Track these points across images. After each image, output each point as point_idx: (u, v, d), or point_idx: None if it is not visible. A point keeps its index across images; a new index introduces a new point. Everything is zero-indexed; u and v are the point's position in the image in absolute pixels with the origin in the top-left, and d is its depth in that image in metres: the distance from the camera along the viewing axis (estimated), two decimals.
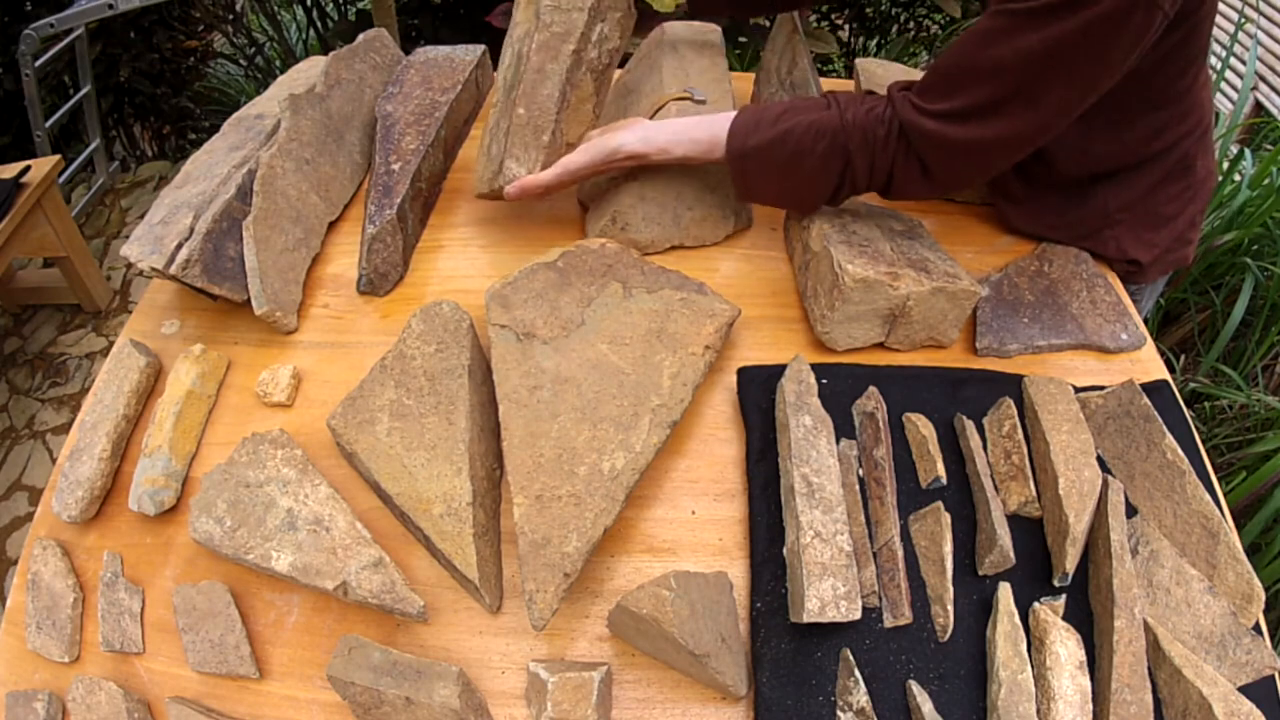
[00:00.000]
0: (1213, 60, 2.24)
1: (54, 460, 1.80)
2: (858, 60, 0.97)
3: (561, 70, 0.74)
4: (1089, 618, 0.57)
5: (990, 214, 0.86)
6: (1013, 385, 0.68)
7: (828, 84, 0.94)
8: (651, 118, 0.79)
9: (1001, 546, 0.57)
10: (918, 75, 1.00)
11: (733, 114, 0.69)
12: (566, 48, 0.74)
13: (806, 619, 0.52)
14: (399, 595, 0.56)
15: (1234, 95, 2.24)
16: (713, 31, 0.94)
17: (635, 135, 0.72)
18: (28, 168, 1.79)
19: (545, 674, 0.52)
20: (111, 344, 1.89)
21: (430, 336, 0.67)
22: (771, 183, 0.70)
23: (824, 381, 0.67)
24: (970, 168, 0.66)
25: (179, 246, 0.73)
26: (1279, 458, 1.19)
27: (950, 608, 0.56)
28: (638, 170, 0.77)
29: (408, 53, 1.01)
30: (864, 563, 0.58)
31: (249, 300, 0.75)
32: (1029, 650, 0.54)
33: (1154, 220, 0.76)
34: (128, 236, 0.83)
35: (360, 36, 0.98)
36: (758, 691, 0.54)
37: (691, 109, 0.81)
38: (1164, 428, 0.62)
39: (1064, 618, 0.55)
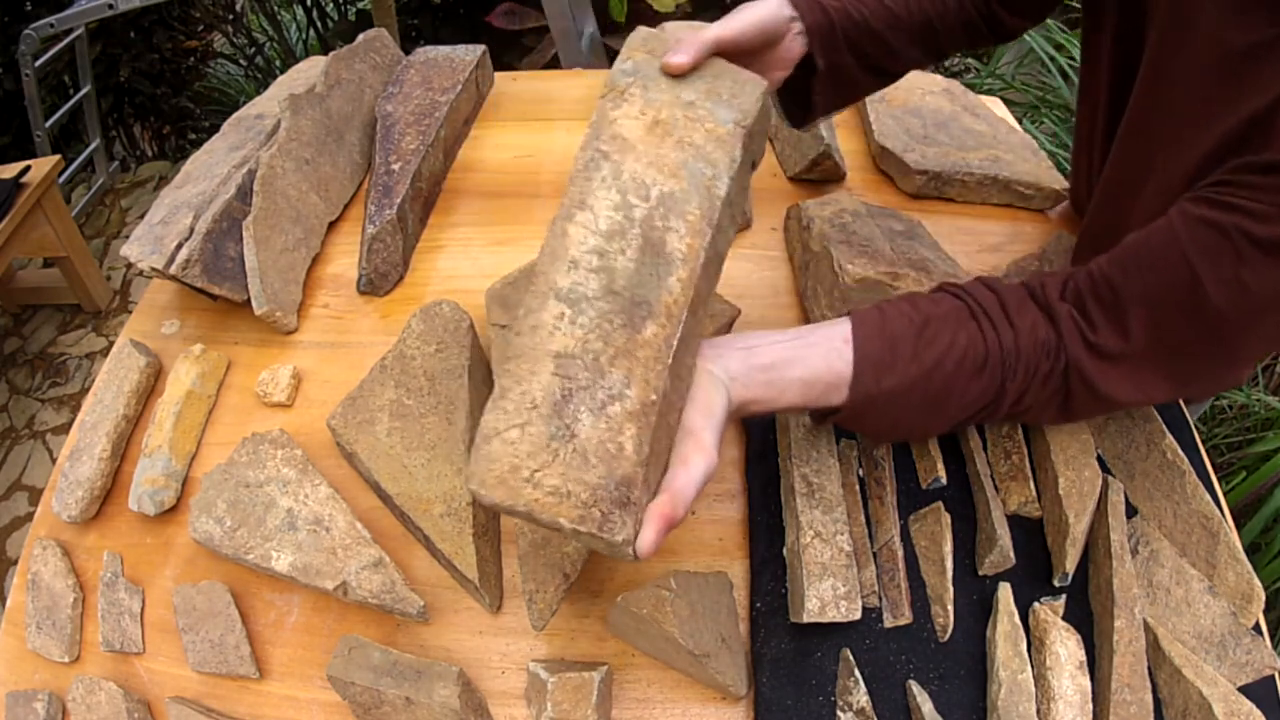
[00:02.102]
0: None
1: (54, 460, 1.80)
2: None
3: (701, 327, 0.47)
4: (1089, 618, 0.57)
5: (990, 214, 0.86)
6: None
7: None
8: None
9: (1001, 546, 0.57)
10: (931, 83, 0.97)
11: (845, 333, 0.48)
12: (711, 289, 0.47)
13: (806, 619, 0.52)
14: (399, 595, 0.57)
15: None
16: None
17: (730, 379, 0.47)
18: (28, 168, 1.79)
19: (545, 674, 0.52)
20: (111, 344, 1.89)
21: (430, 336, 0.67)
22: (893, 420, 0.50)
23: None
24: (1108, 410, 0.57)
25: (179, 246, 0.73)
26: (1279, 458, 1.19)
27: (950, 608, 0.56)
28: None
29: (408, 53, 1.01)
30: (864, 563, 0.58)
31: (249, 300, 0.75)
32: (1029, 650, 0.54)
33: None
34: (128, 236, 0.83)
35: (360, 36, 0.98)
36: (758, 691, 0.54)
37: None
38: (1164, 428, 0.62)
39: (1064, 618, 0.55)
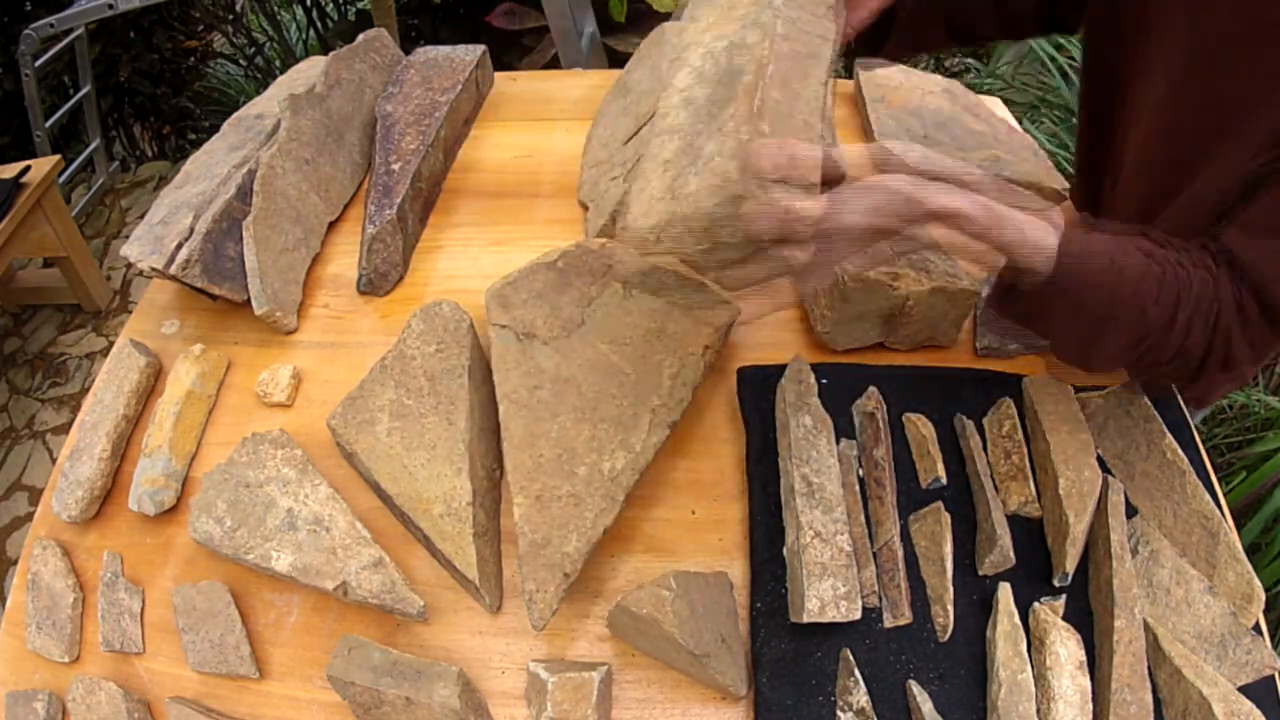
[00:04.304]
0: None
1: (54, 460, 1.80)
2: (858, 62, 0.96)
3: (816, 94, 0.50)
4: (1089, 618, 0.57)
5: None
6: (1013, 385, 0.68)
7: None
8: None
9: (1001, 546, 0.57)
10: (931, 83, 0.98)
11: (1054, 218, 0.48)
12: (817, 70, 0.51)
13: (806, 619, 0.52)
14: (399, 595, 0.56)
15: None
16: None
17: (954, 194, 0.44)
18: (28, 168, 1.79)
19: (545, 674, 0.52)
20: (111, 344, 1.89)
21: (430, 336, 0.67)
22: (1079, 311, 0.50)
23: (824, 381, 0.67)
24: (1225, 386, 0.60)
25: (179, 246, 0.73)
26: (1279, 458, 1.19)
27: (950, 608, 0.56)
28: (636, 167, 0.69)
29: (408, 53, 1.01)
30: (864, 563, 0.58)
31: (249, 300, 0.75)
32: (1029, 650, 0.54)
33: None
34: (128, 236, 0.83)
35: (360, 36, 0.98)
36: (758, 691, 0.54)
37: None
38: (1164, 428, 0.62)
39: (1064, 618, 0.55)
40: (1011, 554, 0.57)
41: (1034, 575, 0.59)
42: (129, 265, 0.74)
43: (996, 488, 0.61)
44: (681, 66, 0.53)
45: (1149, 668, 0.53)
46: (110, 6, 1.82)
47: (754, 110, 0.45)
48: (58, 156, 1.88)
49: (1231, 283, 0.50)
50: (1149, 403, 0.64)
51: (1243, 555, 0.57)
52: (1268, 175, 0.51)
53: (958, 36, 0.69)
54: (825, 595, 0.52)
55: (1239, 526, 1.17)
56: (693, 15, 0.57)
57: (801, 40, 0.51)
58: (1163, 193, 0.61)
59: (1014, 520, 0.60)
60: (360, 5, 2.65)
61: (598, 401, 0.62)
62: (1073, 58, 2.04)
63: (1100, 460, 0.63)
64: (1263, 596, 0.56)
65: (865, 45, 0.68)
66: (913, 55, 0.69)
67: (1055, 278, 0.48)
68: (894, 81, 0.94)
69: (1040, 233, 0.46)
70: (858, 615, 0.52)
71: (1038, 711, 0.51)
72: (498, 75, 1.07)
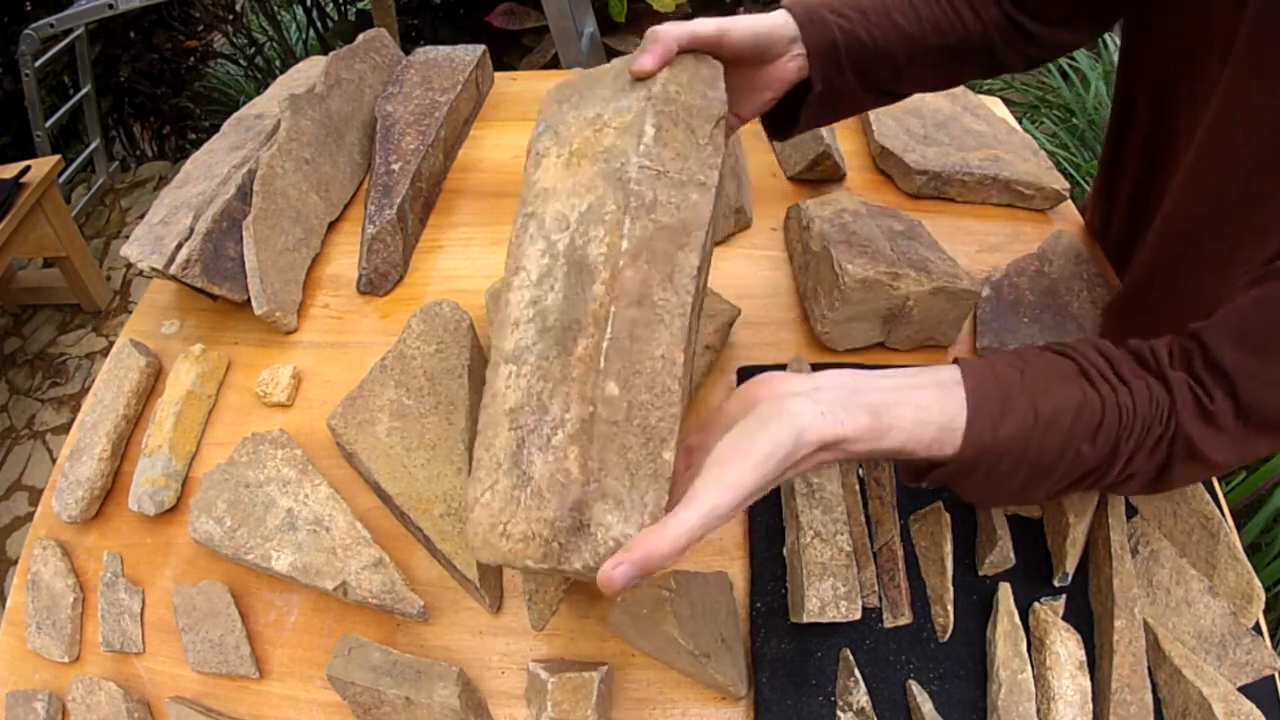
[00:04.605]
0: None
1: (54, 460, 1.80)
2: None
3: (684, 303, 0.42)
4: (1089, 618, 0.57)
5: (990, 214, 0.86)
6: None
7: None
8: None
9: (1001, 546, 0.57)
10: None
11: (954, 375, 0.43)
12: (688, 258, 0.43)
13: (806, 619, 0.52)
14: (399, 595, 0.57)
15: None
16: None
17: (820, 412, 0.39)
18: (28, 168, 1.79)
19: (545, 674, 0.52)
20: (111, 344, 1.89)
21: (430, 336, 0.67)
22: (999, 480, 0.44)
23: None
24: (1197, 479, 0.53)
25: (179, 246, 0.73)
26: (1279, 458, 1.19)
27: (950, 608, 0.56)
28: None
29: (408, 53, 1.01)
30: (864, 563, 0.58)
31: (249, 300, 0.75)
32: (1029, 650, 0.54)
33: None
34: (128, 236, 0.83)
35: (360, 36, 0.98)
36: (758, 691, 0.54)
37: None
38: None
39: (1064, 618, 0.55)
40: (1011, 554, 0.57)
41: (1034, 575, 0.59)
42: (129, 265, 0.74)
43: None
44: (527, 246, 0.44)
45: (1149, 668, 0.53)
46: (110, 6, 1.82)
47: (599, 366, 0.39)
48: (58, 156, 1.88)
49: (1195, 389, 0.44)
50: None
51: (1243, 555, 0.57)
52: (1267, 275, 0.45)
53: (884, 94, 0.60)
54: (825, 595, 0.52)
55: (1239, 526, 1.17)
56: (553, 128, 0.48)
57: (672, 202, 0.43)
58: (1218, 217, 0.56)
59: (1014, 520, 0.60)
60: (360, 5, 2.65)
61: None
62: (1073, 58, 2.04)
63: None
64: (1263, 596, 0.56)
65: (774, 130, 0.61)
66: (827, 124, 0.62)
67: (968, 455, 0.42)
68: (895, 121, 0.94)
69: (940, 415, 0.41)
70: (858, 615, 0.52)
71: (1038, 711, 0.51)
72: (498, 75, 1.07)
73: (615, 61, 0.50)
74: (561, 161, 0.46)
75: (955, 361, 0.45)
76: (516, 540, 0.38)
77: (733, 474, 0.36)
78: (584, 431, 0.38)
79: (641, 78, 0.46)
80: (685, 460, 0.43)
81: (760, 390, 0.42)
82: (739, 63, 0.51)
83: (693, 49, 0.48)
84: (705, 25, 0.48)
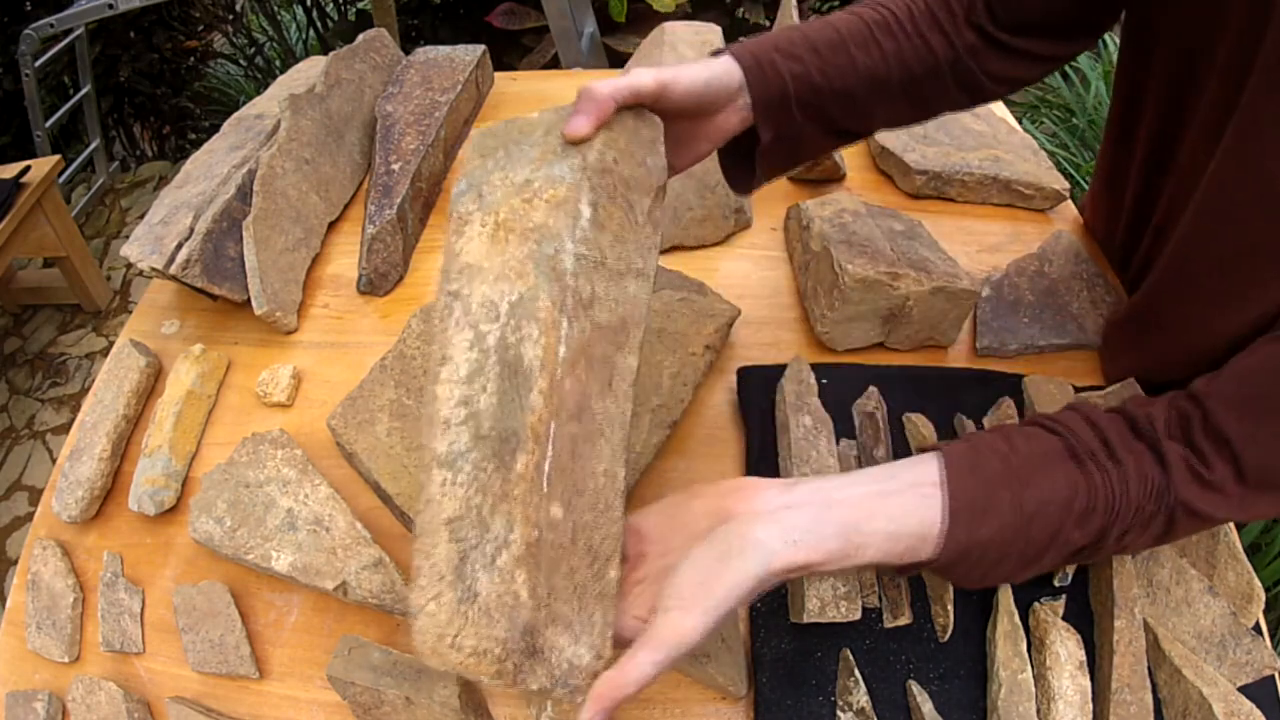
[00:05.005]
0: None
1: (54, 460, 1.80)
2: None
3: (624, 411, 0.42)
4: (1089, 618, 0.57)
5: (990, 214, 0.86)
6: (1013, 385, 0.68)
7: None
8: None
9: None
10: None
11: (935, 475, 0.42)
12: (627, 360, 0.42)
13: (806, 619, 0.52)
14: (399, 595, 0.56)
15: None
16: (712, 32, 0.94)
17: (789, 541, 0.38)
18: (28, 168, 1.79)
19: None
20: (111, 344, 1.89)
21: (430, 336, 0.67)
22: (985, 570, 0.43)
23: (824, 381, 0.67)
24: (1206, 529, 0.52)
25: (179, 246, 0.73)
26: None
27: (950, 607, 0.56)
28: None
29: (408, 53, 1.01)
30: None
31: (249, 300, 0.75)
32: (1029, 650, 0.54)
33: None
34: (128, 236, 0.83)
35: (360, 36, 0.98)
36: (758, 691, 0.54)
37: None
38: None
39: (1064, 618, 0.55)
40: None
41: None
42: (129, 265, 0.74)
43: None
44: (453, 334, 0.41)
45: (1149, 668, 0.53)
46: (110, 6, 1.83)
47: (542, 488, 0.37)
48: (58, 156, 1.88)
49: (1192, 461, 0.43)
50: None
51: (1243, 555, 0.57)
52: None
53: (845, 135, 0.57)
54: (825, 595, 0.52)
55: (1239, 526, 1.17)
56: (477, 188, 0.43)
57: (610, 297, 0.41)
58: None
59: None
60: (360, 5, 2.65)
61: None
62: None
63: None
64: (1263, 596, 0.56)
65: (734, 183, 0.59)
66: (788, 171, 0.58)
67: (946, 558, 0.41)
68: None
69: (917, 525, 0.40)
70: (858, 615, 0.52)
71: (1038, 711, 0.51)
72: (498, 75, 1.07)
73: (545, 113, 0.45)
74: (487, 232, 0.42)
75: (938, 449, 0.43)
76: (468, 654, 0.36)
77: (694, 619, 0.36)
78: (530, 555, 0.37)
79: (575, 142, 0.42)
80: (636, 546, 0.42)
81: (730, 502, 0.41)
82: (679, 116, 0.48)
83: (631, 105, 0.44)
84: (645, 80, 0.44)
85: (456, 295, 0.41)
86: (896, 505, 0.41)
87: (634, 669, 0.36)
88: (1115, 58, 0.66)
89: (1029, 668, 0.53)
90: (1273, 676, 0.54)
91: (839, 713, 0.53)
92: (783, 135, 0.53)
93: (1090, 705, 0.51)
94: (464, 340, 0.40)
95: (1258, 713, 0.50)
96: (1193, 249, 0.57)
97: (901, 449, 0.65)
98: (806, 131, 0.54)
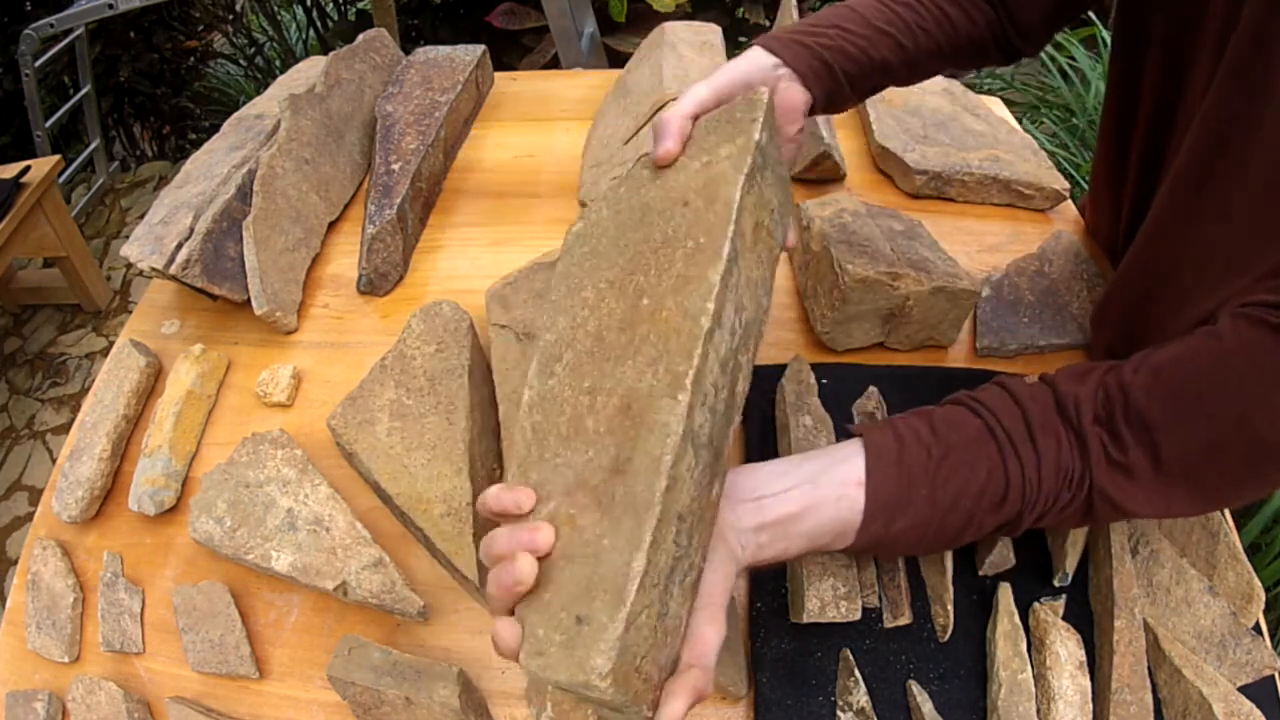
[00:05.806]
0: None
1: (54, 460, 1.80)
2: None
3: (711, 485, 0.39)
4: (1089, 618, 0.57)
5: (990, 214, 0.86)
6: None
7: None
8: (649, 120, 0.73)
9: (1001, 547, 0.57)
10: (931, 83, 0.93)
11: (858, 474, 0.44)
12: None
13: (806, 619, 0.52)
14: (399, 595, 0.57)
15: None
16: (713, 32, 0.94)
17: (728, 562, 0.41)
18: (28, 168, 1.79)
19: None
20: (111, 344, 1.89)
21: (430, 336, 0.67)
22: (901, 551, 0.48)
23: (824, 381, 0.67)
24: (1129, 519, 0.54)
25: (179, 246, 0.73)
26: None
27: (950, 608, 0.56)
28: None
29: (408, 53, 1.01)
30: (864, 563, 0.58)
31: (249, 300, 0.75)
32: (1029, 650, 0.54)
33: None
34: (128, 236, 0.83)
35: (360, 36, 0.98)
36: (758, 691, 0.54)
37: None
38: None
39: (1064, 618, 0.55)
40: (1011, 554, 0.57)
41: (1034, 575, 0.59)
42: (129, 265, 0.74)
43: None
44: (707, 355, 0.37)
45: (1149, 668, 0.53)
46: (110, 6, 1.82)
47: (708, 526, 0.36)
48: (58, 156, 1.88)
49: (1109, 447, 0.43)
50: None
51: (1243, 555, 0.57)
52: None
53: (875, 92, 0.62)
54: (825, 595, 0.52)
55: (1239, 526, 1.17)
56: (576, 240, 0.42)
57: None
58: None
59: None
60: (360, 5, 2.65)
61: None
62: (1073, 58, 2.04)
63: None
64: (1263, 596, 0.56)
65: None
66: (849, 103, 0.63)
67: (862, 546, 0.45)
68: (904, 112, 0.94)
69: (839, 525, 0.44)
70: (858, 615, 0.52)
71: (1038, 711, 0.51)
72: (498, 75, 1.07)
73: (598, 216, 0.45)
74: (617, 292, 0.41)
75: (863, 436, 0.46)
76: (643, 679, 0.32)
77: (722, 613, 0.39)
78: (695, 585, 0.35)
79: (667, 164, 0.45)
80: None
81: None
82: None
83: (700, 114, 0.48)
84: (700, 92, 0.49)
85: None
86: (822, 509, 0.44)
87: (710, 651, 0.38)
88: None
89: (1029, 668, 0.53)
90: (1273, 676, 0.54)
91: (839, 713, 0.53)
92: (829, 99, 0.57)
93: (1090, 705, 0.51)
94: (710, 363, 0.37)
95: (1258, 713, 0.50)
96: (1157, 239, 0.59)
97: None
98: (846, 94, 0.58)
